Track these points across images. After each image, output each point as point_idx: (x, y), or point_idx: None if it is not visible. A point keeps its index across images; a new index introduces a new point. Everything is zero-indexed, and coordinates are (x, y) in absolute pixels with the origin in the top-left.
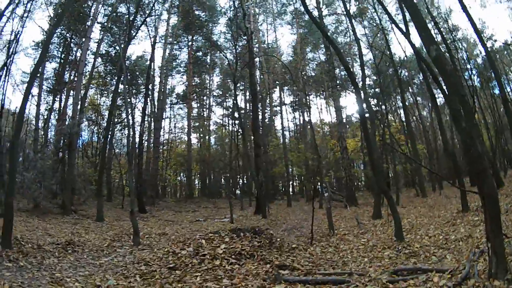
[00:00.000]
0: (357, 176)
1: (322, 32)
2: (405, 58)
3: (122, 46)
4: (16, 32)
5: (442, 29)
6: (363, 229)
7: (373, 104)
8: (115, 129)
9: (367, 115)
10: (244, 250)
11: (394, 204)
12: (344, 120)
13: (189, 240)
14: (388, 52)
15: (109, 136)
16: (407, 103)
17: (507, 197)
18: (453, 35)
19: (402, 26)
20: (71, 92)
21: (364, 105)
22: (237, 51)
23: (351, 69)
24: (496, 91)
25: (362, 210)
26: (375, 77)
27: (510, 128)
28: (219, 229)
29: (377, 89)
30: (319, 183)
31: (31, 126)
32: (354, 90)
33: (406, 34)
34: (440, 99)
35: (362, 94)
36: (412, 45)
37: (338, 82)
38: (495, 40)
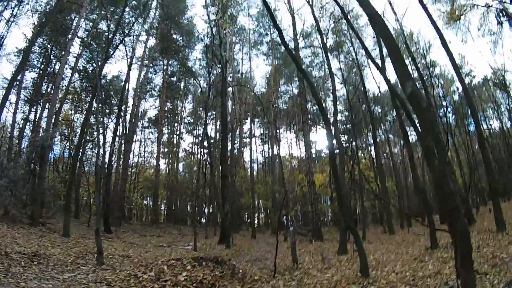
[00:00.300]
0: (323, 211)
1: (297, 64)
2: (379, 94)
3: (99, 63)
4: (1, 36)
5: (419, 65)
6: (328, 264)
7: (343, 140)
8: (86, 147)
9: (336, 151)
10: (205, 279)
11: (360, 240)
12: (314, 155)
13: (151, 265)
14: (362, 88)
15: (80, 153)
16: (378, 140)
17: (478, 234)
18: (430, 71)
19: (378, 61)
20: (47, 104)
21: (335, 141)
22: (211, 79)
23: (324, 104)
24: (472, 128)
25: (327, 245)
26: (347, 113)
27: (485, 164)
28: (181, 256)
29: (348, 125)
30: (284, 216)
31: (7, 133)
32: (325, 125)
33: (382, 70)
34: (413, 137)
35: (333, 130)
36: (387, 81)
37: (309, 116)
38: (474, 76)
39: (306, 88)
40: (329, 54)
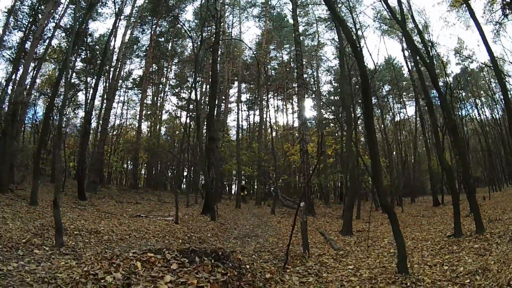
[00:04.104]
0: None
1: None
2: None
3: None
4: None
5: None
6: (337, 248)
7: (330, 111)
8: (66, 106)
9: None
10: None
11: (398, 226)
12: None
13: (117, 259)
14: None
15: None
16: (380, 112)
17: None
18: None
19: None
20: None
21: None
22: (203, 35)
23: (316, 73)
24: (463, 112)
25: (321, 221)
26: (337, 84)
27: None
28: (162, 248)
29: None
30: (271, 186)
31: None
32: (356, 61)
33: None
34: (409, 110)
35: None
36: (413, 45)
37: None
38: (472, 61)
39: (302, 52)
40: (323, 26)
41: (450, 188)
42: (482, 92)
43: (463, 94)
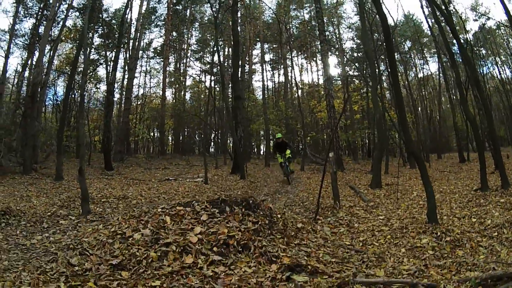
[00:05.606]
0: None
1: None
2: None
3: None
4: None
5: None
6: (367, 200)
7: (354, 68)
8: (87, 82)
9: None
10: (232, 238)
11: (427, 174)
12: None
13: (146, 215)
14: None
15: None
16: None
17: None
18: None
19: None
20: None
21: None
22: None
23: (337, 31)
24: (485, 70)
25: (350, 176)
26: (359, 41)
27: None
28: (192, 200)
29: (360, 54)
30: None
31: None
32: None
33: None
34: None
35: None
36: None
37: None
38: (488, 18)
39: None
40: None
41: (476, 141)
42: (501, 50)
43: (483, 52)
